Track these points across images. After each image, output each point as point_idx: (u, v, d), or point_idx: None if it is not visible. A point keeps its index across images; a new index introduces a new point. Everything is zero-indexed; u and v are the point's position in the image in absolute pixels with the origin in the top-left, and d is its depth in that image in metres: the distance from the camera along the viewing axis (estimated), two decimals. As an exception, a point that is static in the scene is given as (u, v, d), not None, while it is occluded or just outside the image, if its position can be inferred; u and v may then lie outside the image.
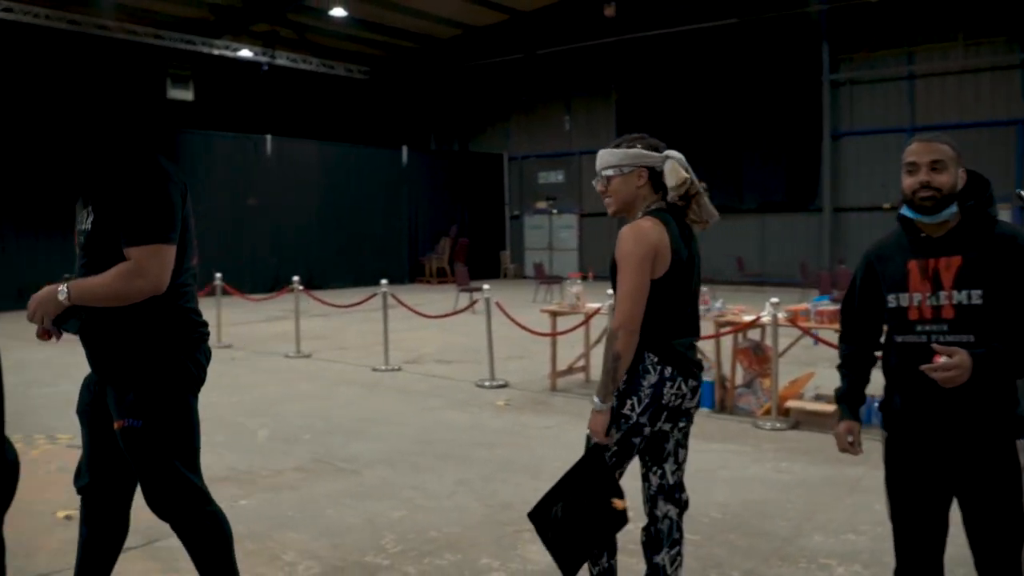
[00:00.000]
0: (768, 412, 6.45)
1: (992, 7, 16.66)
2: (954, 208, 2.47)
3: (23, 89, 17.96)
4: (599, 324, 8.07)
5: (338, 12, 20.40)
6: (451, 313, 9.86)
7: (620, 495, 2.87)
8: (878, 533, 4.17)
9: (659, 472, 2.97)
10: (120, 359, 2.76)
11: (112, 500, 3.00)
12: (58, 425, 6.63)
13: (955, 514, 2.57)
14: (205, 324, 2.95)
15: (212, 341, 9.74)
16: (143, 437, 2.74)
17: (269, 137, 20.20)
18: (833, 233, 18.88)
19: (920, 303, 2.49)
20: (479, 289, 9.70)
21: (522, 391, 7.97)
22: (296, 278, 11.12)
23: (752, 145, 20.02)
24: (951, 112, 17.39)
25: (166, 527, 4.35)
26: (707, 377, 6.88)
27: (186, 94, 21.08)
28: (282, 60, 22.12)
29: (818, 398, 6.55)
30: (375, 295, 9.88)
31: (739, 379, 7.06)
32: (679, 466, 3.00)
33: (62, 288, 2.65)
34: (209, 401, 7.54)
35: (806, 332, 6.56)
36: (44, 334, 2.74)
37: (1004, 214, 15.35)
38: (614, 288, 2.85)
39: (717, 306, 7.12)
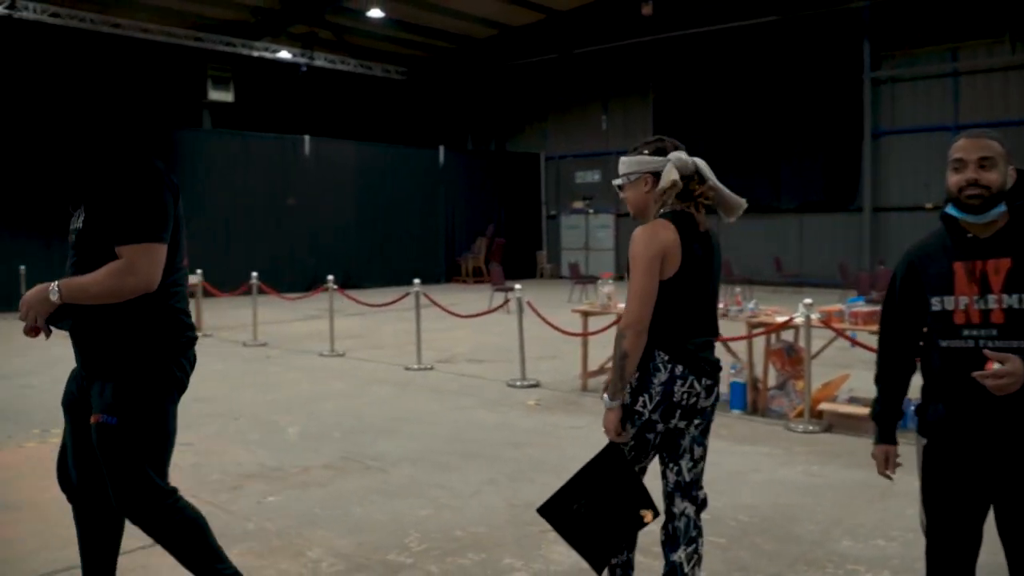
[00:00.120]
0: (801, 414, 6.36)
1: (1040, 2, 16.28)
2: (1002, 207, 2.38)
3: (72, 92, 18.31)
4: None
5: (375, 13, 20.53)
6: (482, 313, 9.87)
7: (649, 505, 2.90)
8: (909, 539, 4.09)
9: (675, 469, 2.97)
10: (106, 355, 2.78)
11: (102, 494, 3.02)
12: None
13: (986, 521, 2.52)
14: (193, 328, 2.98)
15: (247, 339, 9.90)
16: (116, 435, 2.76)
17: (307, 138, 20.41)
18: (873, 233, 18.57)
19: (967, 307, 2.39)
20: (512, 289, 9.70)
21: (553, 391, 7.95)
22: (331, 277, 11.21)
23: (791, 144, 19.77)
24: (997, 110, 17.00)
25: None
26: (739, 378, 6.84)
27: (226, 95, 21.37)
28: (320, 61, 22.33)
29: (852, 400, 6.44)
30: (408, 294, 9.92)
31: (772, 381, 6.98)
32: (695, 463, 2.98)
33: (53, 287, 2.68)
34: (243, 399, 7.72)
35: (840, 334, 6.45)
36: (32, 331, 2.76)
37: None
38: None
39: (750, 307, 7.04)
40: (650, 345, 2.84)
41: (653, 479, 3.01)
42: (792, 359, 6.83)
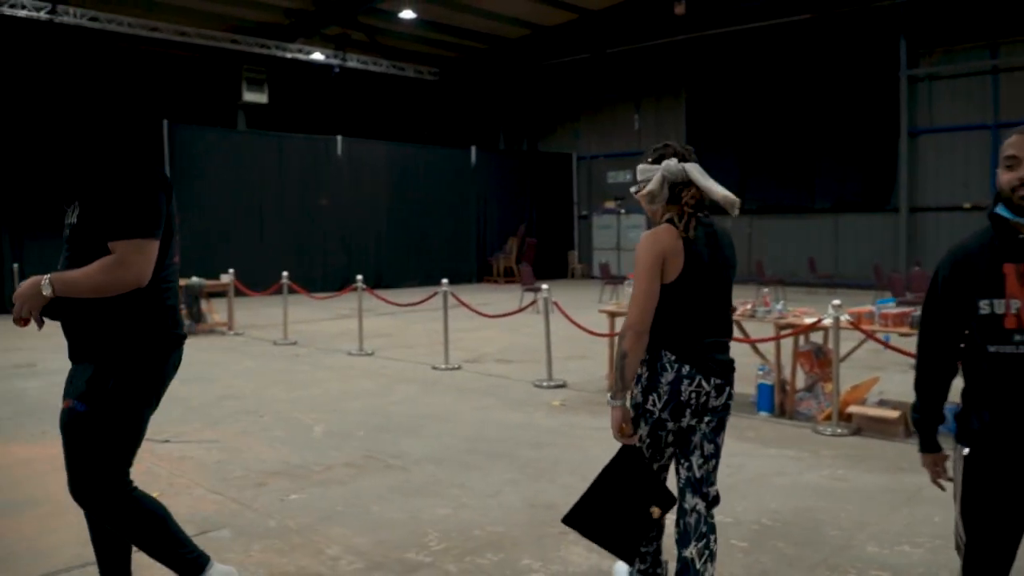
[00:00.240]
0: (829, 417, 6.27)
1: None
2: None
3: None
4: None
5: (407, 14, 20.61)
6: (509, 313, 9.86)
7: (662, 500, 3.02)
8: (936, 546, 4.01)
9: (687, 465, 3.05)
10: (89, 340, 2.81)
11: None
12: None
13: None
14: (181, 326, 2.99)
15: (278, 338, 9.98)
16: (82, 423, 2.78)
17: (340, 138, 20.56)
18: (910, 234, 18.25)
19: (1019, 310, 2.29)
20: (539, 289, 9.68)
21: (579, 392, 7.92)
22: (360, 277, 11.27)
23: (825, 143, 19.50)
24: (1039, 108, 16.64)
25: (219, 520, 4.50)
26: (767, 380, 6.76)
27: (261, 97, 21.58)
28: (353, 62, 22.46)
29: (882, 403, 6.33)
30: (436, 294, 9.95)
31: (800, 383, 6.89)
32: (705, 460, 3.04)
33: (45, 281, 2.71)
34: (270, 396, 7.78)
35: (869, 335, 6.34)
36: (23, 321, 2.78)
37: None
38: None
39: (778, 308, 6.95)
40: (658, 345, 2.94)
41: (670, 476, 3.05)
42: (821, 361, 6.74)
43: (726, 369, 3.01)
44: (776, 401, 6.74)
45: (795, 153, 19.98)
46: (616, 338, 3.00)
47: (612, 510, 3.03)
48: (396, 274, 20.85)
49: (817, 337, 7.14)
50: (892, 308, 6.41)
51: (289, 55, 21.30)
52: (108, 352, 2.78)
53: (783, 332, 6.71)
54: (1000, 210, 2.34)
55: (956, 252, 2.45)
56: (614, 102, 23.75)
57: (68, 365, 2.96)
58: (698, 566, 2.95)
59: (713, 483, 3.05)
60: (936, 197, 18.08)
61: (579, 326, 8.44)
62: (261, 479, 5.19)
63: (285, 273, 12.23)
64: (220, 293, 13.06)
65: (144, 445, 5.98)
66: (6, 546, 4.09)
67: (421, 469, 5.40)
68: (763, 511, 4.53)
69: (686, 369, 2.92)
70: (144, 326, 2.81)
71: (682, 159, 3.07)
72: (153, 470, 5.37)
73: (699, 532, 2.98)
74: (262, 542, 4.13)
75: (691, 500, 3.02)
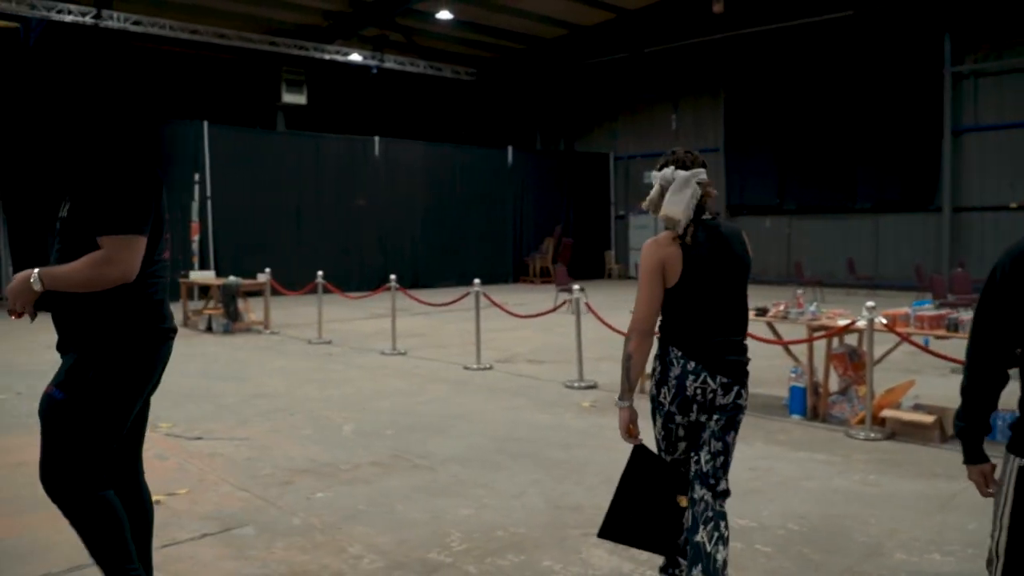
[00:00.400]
0: (862, 421, 6.16)
1: None
2: None
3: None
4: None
5: (444, 15, 20.68)
6: (541, 313, 9.84)
7: (684, 490, 3.17)
8: (968, 555, 3.92)
9: (696, 458, 3.17)
10: (75, 330, 2.84)
11: (119, 481, 3.09)
12: (161, 414, 6.92)
13: None
14: (168, 320, 2.99)
15: (312, 337, 10.06)
16: (59, 411, 2.79)
17: (377, 139, 20.68)
18: (953, 234, 17.88)
19: None
20: (580, 289, 9.65)
21: (610, 393, 7.86)
22: (393, 277, 11.32)
23: (866, 143, 19.17)
24: (1089, 105, 16.22)
25: (244, 517, 4.54)
26: (799, 383, 6.67)
27: (299, 98, 21.81)
28: (390, 63, 22.58)
29: (917, 408, 6.20)
30: (468, 294, 9.96)
31: (834, 386, 6.78)
32: (713, 457, 3.14)
33: (34, 276, 2.75)
34: (301, 395, 7.85)
35: (904, 338, 6.22)
36: (16, 314, 2.84)
37: None
38: None
39: (811, 309, 6.84)
40: (667, 342, 3.13)
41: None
42: (855, 364, 6.62)
43: (735, 369, 3.10)
44: (808, 404, 6.64)
45: (835, 153, 19.68)
46: (625, 341, 3.16)
47: (641, 511, 3.16)
48: (432, 274, 20.93)
49: (852, 339, 7.02)
50: (929, 310, 6.27)
51: (327, 56, 21.49)
52: (91, 343, 2.81)
53: (816, 334, 6.60)
54: None
55: (1016, 251, 2.33)
56: (652, 102, 23.60)
57: None
58: (708, 549, 3.04)
59: (721, 478, 3.15)
60: (981, 196, 17.69)
61: (610, 327, 8.38)
62: (288, 477, 5.23)
63: (320, 273, 12.34)
64: (257, 292, 13.22)
65: (175, 442, 6.13)
66: (22, 543, 4.17)
67: (447, 469, 5.41)
68: (790, 516, 4.46)
69: (692, 365, 3.05)
70: (129, 320, 2.83)
71: (682, 166, 3.15)
72: (184, 466, 5.45)
73: (706, 517, 3.09)
74: (285, 539, 4.17)
75: (699, 491, 3.13)
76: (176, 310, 14.21)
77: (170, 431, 6.39)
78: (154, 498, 4.69)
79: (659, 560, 3.49)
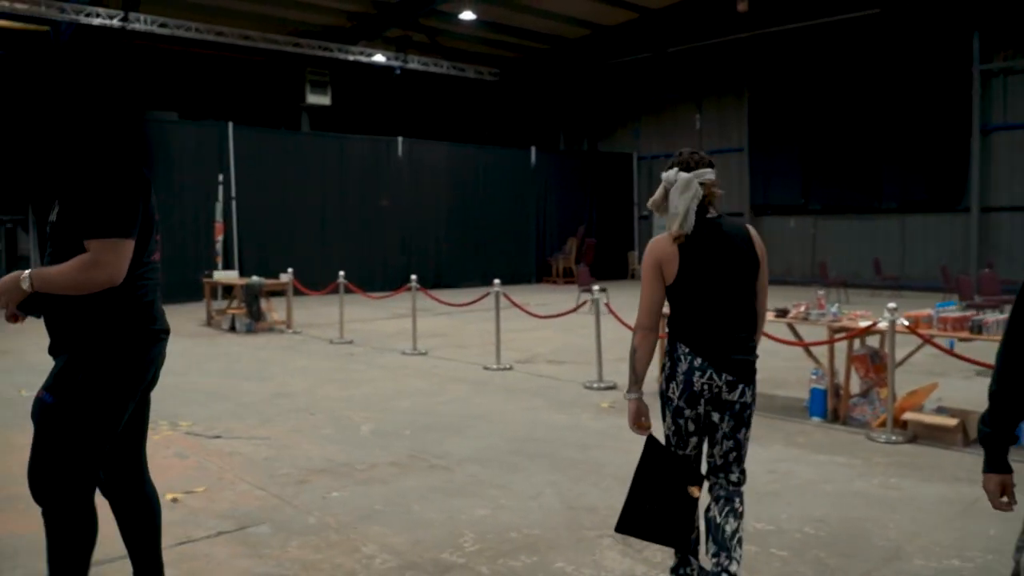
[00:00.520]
0: (883, 424, 6.09)
1: None
2: None
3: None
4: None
5: (468, 15, 20.71)
6: (561, 313, 9.82)
7: (695, 481, 3.27)
8: (987, 561, 3.87)
9: (710, 452, 3.33)
10: (64, 333, 2.85)
11: (130, 484, 3.12)
12: (182, 412, 7.03)
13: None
14: (158, 321, 2.98)
15: (334, 336, 10.10)
16: (49, 415, 2.79)
17: (400, 139, 20.75)
18: (981, 235, 17.62)
19: None
20: (601, 290, 9.63)
21: (629, 394, 7.83)
22: (414, 277, 11.35)
23: (892, 142, 18.93)
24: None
25: (260, 515, 4.57)
26: (819, 385, 6.60)
27: (324, 99, 21.93)
28: (414, 64, 22.66)
29: (939, 410, 6.11)
30: (488, 294, 9.97)
31: (855, 388, 6.70)
32: (725, 453, 3.28)
33: (25, 276, 2.77)
34: (322, 395, 7.89)
35: (927, 340, 6.13)
36: (12, 317, 2.87)
37: None
38: None
39: (832, 311, 6.77)
40: (675, 339, 3.24)
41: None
42: (877, 366, 6.54)
43: (740, 368, 3.18)
44: (829, 406, 6.58)
45: (861, 152, 19.47)
46: (632, 337, 3.32)
47: (655, 504, 3.26)
48: (455, 274, 20.97)
49: (874, 341, 6.94)
50: (952, 312, 6.18)
51: (351, 57, 21.60)
52: (81, 346, 2.82)
53: (837, 336, 6.53)
54: None
55: None
56: (675, 102, 23.49)
57: None
58: (719, 520, 3.23)
59: (733, 471, 3.30)
60: (1010, 196, 17.43)
61: (630, 327, 8.33)
62: (305, 476, 5.26)
63: (342, 273, 12.40)
64: (280, 292, 13.31)
65: (195, 441, 6.18)
66: (35, 539, 4.20)
67: (464, 469, 5.41)
68: (807, 519, 4.42)
69: (698, 362, 3.16)
70: (118, 322, 2.84)
71: (686, 168, 3.25)
72: (203, 465, 5.50)
73: (717, 495, 3.28)
74: (300, 538, 4.19)
75: (714, 480, 3.34)
76: (199, 310, 14.38)
77: (190, 429, 6.45)
78: (171, 496, 4.79)
79: (672, 563, 3.49)
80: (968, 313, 6.23)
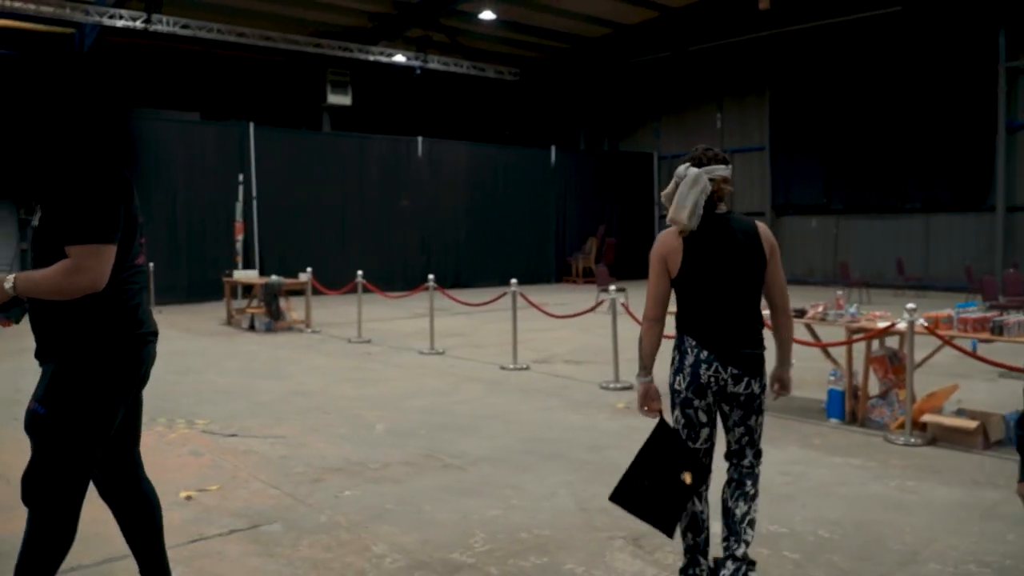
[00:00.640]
0: (902, 426, 6.01)
1: None
2: None
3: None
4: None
5: (488, 15, 20.73)
6: (577, 313, 9.79)
7: (694, 467, 3.32)
8: (1005, 567, 3.81)
9: (726, 438, 3.46)
10: (50, 340, 2.84)
11: (126, 483, 3.12)
12: (199, 411, 7.08)
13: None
14: (146, 324, 2.97)
15: (351, 336, 10.13)
16: (42, 426, 2.79)
17: (420, 139, 20.79)
18: (1007, 234, 17.36)
19: None
20: (619, 289, 9.60)
21: (645, 394, 7.79)
22: (431, 276, 11.36)
23: (916, 141, 18.72)
24: None
25: (273, 514, 4.58)
26: (837, 386, 6.54)
27: (344, 99, 22.03)
28: (434, 64, 22.71)
29: (959, 413, 6.03)
30: (505, 294, 9.96)
31: (874, 389, 6.63)
32: (739, 438, 3.41)
33: (9, 278, 2.76)
34: (338, 394, 7.91)
35: (946, 342, 6.05)
36: (4, 322, 2.85)
37: None
38: None
39: (851, 311, 6.70)
40: (682, 331, 3.35)
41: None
42: (896, 367, 6.47)
43: (747, 361, 3.26)
44: (847, 408, 6.51)
45: (884, 151, 19.27)
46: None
47: (653, 483, 3.35)
48: (475, 274, 20.98)
49: (894, 342, 6.86)
50: (973, 313, 6.09)
51: (372, 58, 21.68)
52: (66, 354, 2.81)
53: (855, 336, 6.46)
54: None
55: None
56: (696, 101, 23.37)
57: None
58: (730, 504, 3.39)
59: (747, 455, 3.41)
60: (1037, 196, 17.20)
61: (646, 328, 8.30)
62: (319, 475, 5.27)
63: (360, 272, 12.44)
64: (299, 291, 13.37)
65: (211, 439, 6.22)
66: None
67: (477, 469, 5.40)
68: (821, 522, 4.37)
69: (704, 354, 3.26)
70: (103, 327, 2.82)
71: (697, 164, 3.35)
72: (217, 463, 5.53)
73: (731, 478, 3.44)
74: (311, 537, 4.20)
75: (728, 461, 3.48)
76: (220, 309, 14.48)
77: (207, 428, 6.49)
78: (185, 494, 4.82)
79: (681, 563, 3.47)
80: (990, 314, 6.13)
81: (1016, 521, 4.31)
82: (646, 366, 3.43)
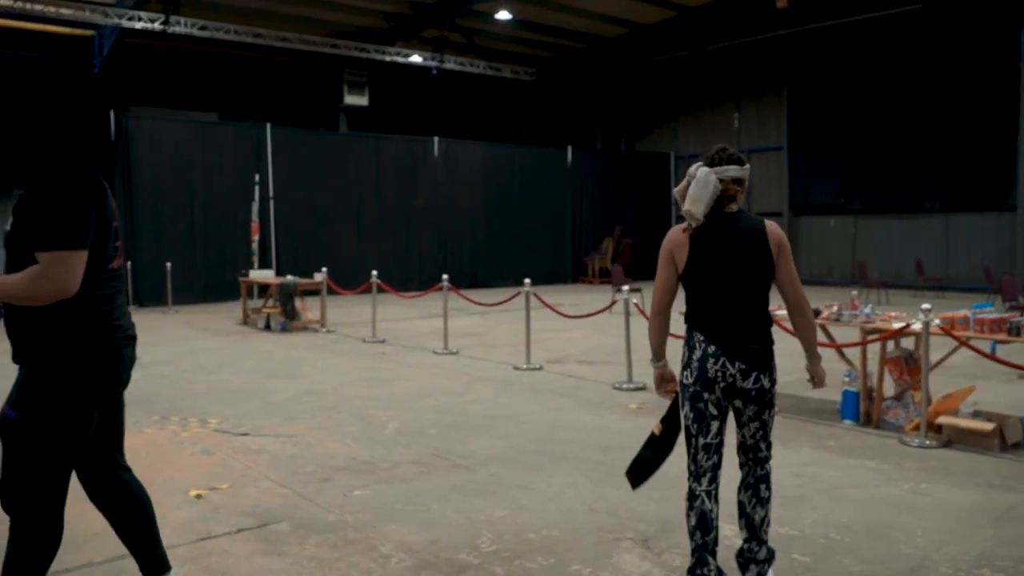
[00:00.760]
0: (917, 428, 5.95)
1: None
2: None
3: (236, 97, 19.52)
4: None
5: (504, 15, 20.73)
6: (590, 314, 9.76)
7: (664, 422, 3.62)
8: (1019, 571, 3.75)
9: (739, 434, 3.52)
10: (24, 344, 2.82)
11: (104, 485, 3.11)
12: (212, 410, 7.11)
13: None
14: (126, 327, 2.94)
15: (366, 335, 10.13)
16: (14, 430, 2.76)
17: (436, 139, 20.82)
18: (1029, 234, 17.18)
19: None
20: (633, 290, 9.57)
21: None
22: (445, 276, 11.36)
23: (936, 140, 18.55)
24: None
25: (281, 513, 4.59)
26: (852, 387, 6.47)
27: (361, 99, 22.11)
28: (450, 64, 22.74)
29: (976, 415, 5.95)
30: (518, 294, 9.94)
31: (889, 391, 6.55)
32: (754, 434, 3.47)
33: None
34: (350, 393, 7.92)
35: (962, 343, 5.98)
36: None
37: None
38: None
39: (865, 312, 6.63)
40: (691, 327, 3.41)
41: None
42: (911, 368, 6.40)
43: (754, 356, 3.30)
44: (861, 409, 6.44)
45: (903, 151, 19.11)
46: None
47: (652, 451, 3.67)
48: (492, 274, 20.99)
49: (910, 343, 6.78)
50: (989, 313, 6.01)
51: (388, 58, 21.74)
52: (39, 358, 2.79)
53: (870, 337, 6.39)
54: None
55: None
56: (713, 100, 23.26)
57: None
58: (748, 510, 3.51)
59: (761, 448, 3.49)
60: (1059, 195, 16.98)
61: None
62: (328, 474, 5.28)
63: (374, 272, 12.46)
64: (315, 291, 13.42)
65: (222, 438, 6.24)
66: (74, 532, 4.27)
67: (486, 469, 5.39)
68: (832, 525, 4.32)
69: (712, 349, 3.31)
70: (77, 333, 2.79)
71: (710, 164, 3.40)
72: (227, 462, 5.54)
73: (747, 483, 3.52)
74: (318, 536, 4.20)
75: (743, 458, 3.54)
76: (236, 309, 14.55)
77: (219, 427, 6.51)
78: (195, 492, 4.84)
79: (689, 563, 3.44)
80: (1007, 315, 6.05)
81: (1031, 525, 4.25)
82: (657, 353, 3.59)
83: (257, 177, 17.59)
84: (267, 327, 12.68)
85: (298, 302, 12.92)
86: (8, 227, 2.87)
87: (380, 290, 12.38)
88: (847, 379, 6.62)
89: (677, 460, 3.60)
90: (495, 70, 23.81)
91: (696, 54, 22.57)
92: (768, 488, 3.52)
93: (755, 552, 3.51)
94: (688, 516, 3.38)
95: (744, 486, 3.54)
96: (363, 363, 9.72)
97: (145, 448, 5.90)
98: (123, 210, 16.11)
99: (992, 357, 6.19)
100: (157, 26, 18.28)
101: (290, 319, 12.60)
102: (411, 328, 12.87)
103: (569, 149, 23.27)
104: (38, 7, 17.06)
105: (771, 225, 3.42)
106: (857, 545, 4.06)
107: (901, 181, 19.23)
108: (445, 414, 7.00)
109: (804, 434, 6.17)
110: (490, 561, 3.90)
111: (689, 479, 3.43)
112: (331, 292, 13.31)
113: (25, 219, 2.76)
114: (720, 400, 3.35)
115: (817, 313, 6.77)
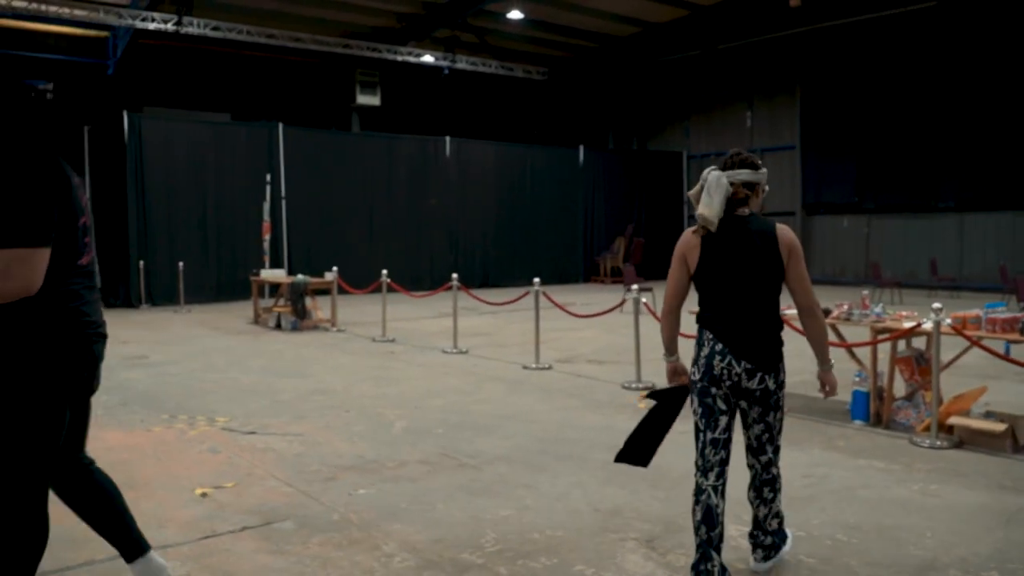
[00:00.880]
0: (928, 428, 5.88)
1: None
2: None
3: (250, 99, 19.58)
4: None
5: (516, 15, 20.71)
6: (599, 313, 9.73)
7: (654, 396, 3.73)
8: (1029, 572, 3.69)
9: (746, 435, 3.59)
10: None
11: (71, 483, 3.10)
12: (220, 408, 7.13)
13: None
14: (95, 325, 2.89)
15: (376, 335, 10.13)
16: None
17: (448, 139, 20.82)
18: (1046, 234, 17.03)
19: None
20: (643, 289, 9.54)
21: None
22: (455, 276, 11.36)
23: (950, 139, 18.40)
24: None
25: (285, 511, 4.59)
26: (862, 387, 6.42)
27: (373, 99, 22.14)
28: (462, 64, 22.73)
29: (988, 415, 5.88)
30: (528, 293, 9.92)
31: (900, 391, 6.49)
32: (758, 436, 3.54)
33: None
34: (358, 392, 7.91)
35: (974, 343, 5.91)
36: None
37: None
38: None
39: (876, 311, 6.58)
40: (702, 326, 3.49)
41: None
42: (923, 368, 6.33)
43: (761, 356, 3.36)
44: (872, 409, 6.38)
45: (917, 150, 18.97)
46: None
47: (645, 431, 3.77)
48: (503, 274, 20.97)
49: (922, 343, 6.72)
50: (1001, 313, 5.94)
51: (400, 58, 21.76)
52: (4, 357, 2.72)
53: (880, 336, 6.34)
54: None
55: None
56: (726, 100, 23.16)
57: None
58: (752, 508, 3.64)
59: (766, 451, 3.55)
60: (1077, 194, 16.82)
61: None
62: (334, 473, 5.27)
63: (384, 271, 12.47)
64: (326, 291, 13.44)
65: (230, 436, 6.25)
66: (69, 531, 4.28)
67: (492, 468, 5.37)
68: (840, 526, 4.28)
69: (719, 347, 3.39)
70: (41, 330, 2.73)
71: (722, 167, 3.50)
72: (234, 460, 5.55)
73: (755, 485, 3.61)
74: (322, 535, 4.19)
75: (750, 459, 3.62)
76: (248, 308, 14.59)
77: (226, 425, 6.52)
78: (200, 491, 4.84)
79: (693, 559, 3.42)
80: (1019, 314, 5.98)
81: (1043, 527, 4.19)
82: (669, 348, 3.66)
83: (269, 177, 17.64)
84: (278, 326, 12.71)
85: (309, 301, 12.95)
86: None
87: (391, 289, 12.39)
88: (857, 379, 6.57)
89: (683, 459, 3.61)
90: (507, 70, 23.79)
91: (708, 53, 22.48)
92: (772, 490, 3.60)
93: (761, 540, 3.68)
94: (694, 511, 3.41)
95: (750, 486, 3.64)
96: (373, 362, 9.73)
97: (152, 446, 5.91)
98: (136, 210, 16.22)
99: (1005, 357, 6.13)
100: (170, 27, 18.36)
101: (301, 318, 12.63)
102: (421, 328, 12.87)
103: (581, 149, 23.23)
104: (52, 8, 17.17)
105: (782, 228, 3.45)
106: (866, 546, 4.02)
107: (915, 180, 19.09)
108: (453, 413, 6.99)
109: (814, 434, 6.12)
110: (493, 561, 3.88)
111: (696, 474, 3.47)
112: (342, 291, 13.33)
113: None
114: (728, 396, 3.42)
115: (827, 312, 6.72)
